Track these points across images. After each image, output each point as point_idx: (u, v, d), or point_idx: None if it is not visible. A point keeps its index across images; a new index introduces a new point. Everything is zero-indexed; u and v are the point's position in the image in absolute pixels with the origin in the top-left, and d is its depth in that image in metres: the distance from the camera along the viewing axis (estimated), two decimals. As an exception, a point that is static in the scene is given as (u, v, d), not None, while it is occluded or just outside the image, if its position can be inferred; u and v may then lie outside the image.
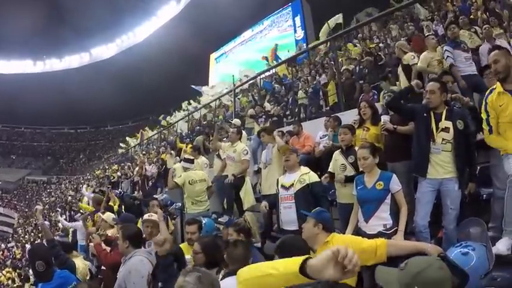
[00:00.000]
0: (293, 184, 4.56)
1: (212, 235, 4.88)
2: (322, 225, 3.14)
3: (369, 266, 2.89)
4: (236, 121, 10.33)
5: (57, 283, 3.77)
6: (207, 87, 24.99)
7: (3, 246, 33.43)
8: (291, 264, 1.34)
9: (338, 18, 18.24)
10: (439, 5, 13.63)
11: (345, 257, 1.21)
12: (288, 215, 4.52)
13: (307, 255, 1.32)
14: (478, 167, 4.25)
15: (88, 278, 5.89)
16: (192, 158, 7.42)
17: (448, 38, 6.79)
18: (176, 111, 25.80)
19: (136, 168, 14.06)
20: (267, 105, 11.87)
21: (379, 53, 11.27)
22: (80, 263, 5.57)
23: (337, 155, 4.88)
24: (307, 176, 4.59)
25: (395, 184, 3.77)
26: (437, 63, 6.35)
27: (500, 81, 3.46)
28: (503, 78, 3.43)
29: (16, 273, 18.30)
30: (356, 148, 4.70)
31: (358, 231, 3.84)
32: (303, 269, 1.28)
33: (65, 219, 16.30)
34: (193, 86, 24.32)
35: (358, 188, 3.94)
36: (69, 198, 27.14)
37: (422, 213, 3.76)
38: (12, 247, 29.66)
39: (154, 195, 9.64)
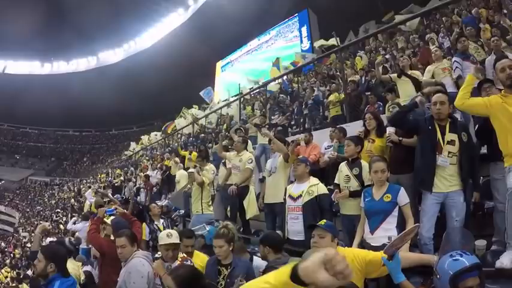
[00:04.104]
0: (301, 195, 4.56)
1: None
2: (337, 240, 3.14)
3: (375, 278, 2.91)
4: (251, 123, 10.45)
5: (72, 281, 3.78)
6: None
7: (3, 244, 33.38)
8: (281, 273, 1.31)
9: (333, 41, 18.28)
10: (445, 17, 13.66)
11: (335, 260, 1.19)
12: (294, 226, 4.53)
13: (295, 263, 1.30)
14: (482, 178, 4.27)
15: (83, 278, 5.96)
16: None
17: (456, 50, 6.80)
18: (181, 115, 25.82)
19: (140, 174, 14.11)
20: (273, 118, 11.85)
21: (385, 65, 11.28)
22: (69, 264, 5.64)
23: (342, 166, 4.86)
24: (315, 187, 4.59)
25: (403, 197, 3.80)
26: (441, 71, 6.38)
27: (509, 87, 3.47)
28: None
29: (15, 273, 18.23)
30: (361, 161, 4.74)
31: (362, 243, 3.85)
32: (294, 276, 1.26)
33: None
34: (201, 94, 24.33)
35: (366, 200, 3.97)
36: (72, 201, 27.14)
37: (427, 226, 3.76)
38: (25, 237, 29.61)
39: (156, 201, 9.69)
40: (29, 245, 23.67)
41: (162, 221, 7.18)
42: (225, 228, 3.97)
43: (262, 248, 3.95)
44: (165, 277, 3.82)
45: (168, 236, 4.13)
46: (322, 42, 18.92)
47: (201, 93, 24.29)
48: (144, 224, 7.09)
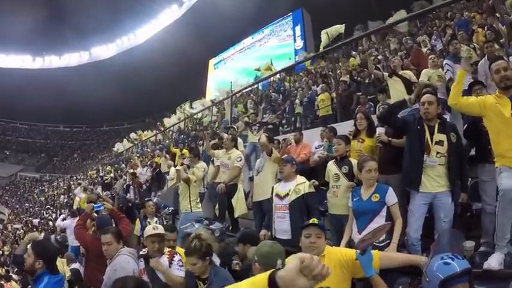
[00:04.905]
0: (288, 194, 4.53)
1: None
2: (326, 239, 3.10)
3: (362, 278, 2.89)
4: (242, 121, 10.42)
5: (60, 277, 3.75)
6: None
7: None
8: (257, 282, 1.27)
9: (340, 28, 18.11)
10: (438, 20, 13.71)
11: (312, 265, 1.18)
12: (281, 225, 4.50)
13: (271, 270, 1.26)
14: (470, 179, 4.29)
15: (68, 275, 5.95)
16: (188, 165, 7.45)
17: (448, 53, 6.83)
18: (174, 114, 25.86)
19: (130, 171, 14.02)
20: (264, 116, 11.82)
21: (378, 66, 11.30)
22: None
23: (330, 165, 4.86)
24: (302, 186, 4.57)
25: (392, 197, 3.80)
26: (437, 78, 6.41)
27: (503, 88, 3.47)
28: (510, 86, 3.45)
29: (4, 270, 18.08)
30: (350, 159, 4.74)
31: (350, 243, 3.83)
32: (272, 283, 1.23)
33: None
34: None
35: (354, 199, 3.96)
36: (62, 198, 26.99)
37: (415, 226, 3.76)
38: (17, 229, 29.32)
39: (145, 199, 9.64)
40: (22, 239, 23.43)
41: (155, 219, 7.15)
42: (197, 241, 3.31)
43: (242, 247, 3.93)
44: (168, 272, 3.82)
45: (154, 228, 4.15)
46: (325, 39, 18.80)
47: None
48: (137, 219, 7.11)
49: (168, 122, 24.51)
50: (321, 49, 16.65)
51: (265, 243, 2.89)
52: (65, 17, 49.40)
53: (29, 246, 3.75)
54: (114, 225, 5.19)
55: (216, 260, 3.77)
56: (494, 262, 3.21)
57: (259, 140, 6.58)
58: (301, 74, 17.78)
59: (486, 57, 6.32)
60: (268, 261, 2.66)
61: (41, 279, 3.41)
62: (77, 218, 8.60)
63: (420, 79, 6.57)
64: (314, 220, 3.06)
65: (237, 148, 7.17)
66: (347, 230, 4.01)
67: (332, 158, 5.11)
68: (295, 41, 34.06)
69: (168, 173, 11.09)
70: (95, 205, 5.78)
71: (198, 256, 3.23)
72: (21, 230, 27.87)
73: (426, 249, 3.77)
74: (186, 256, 3.37)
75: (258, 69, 22.00)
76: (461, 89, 3.73)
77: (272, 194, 4.78)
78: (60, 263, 6.09)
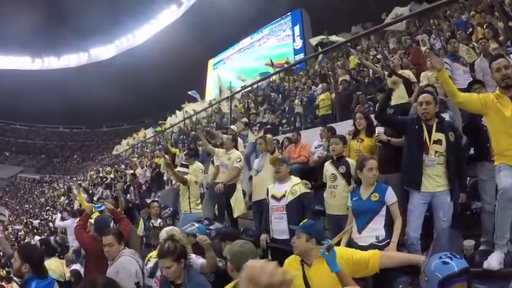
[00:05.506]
0: (284, 195, 4.56)
1: None
2: (315, 240, 2.98)
3: (363, 278, 2.89)
4: (241, 122, 10.39)
5: (50, 281, 3.75)
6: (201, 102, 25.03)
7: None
8: None
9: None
10: (437, 19, 13.70)
11: (254, 274, 1.19)
12: (279, 226, 4.53)
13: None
14: (469, 179, 4.29)
15: (68, 276, 5.95)
16: (187, 163, 7.42)
17: (447, 51, 6.84)
18: (172, 115, 25.87)
19: (130, 171, 14.01)
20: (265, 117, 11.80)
21: (377, 65, 11.30)
22: (53, 262, 5.69)
23: (327, 165, 4.87)
24: (297, 186, 4.60)
25: (391, 196, 3.79)
26: (435, 79, 6.42)
27: (504, 87, 3.44)
28: (511, 85, 3.42)
29: (4, 271, 18.03)
30: (347, 159, 4.76)
31: (350, 243, 3.83)
32: None
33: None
34: (190, 93, 24.35)
35: (353, 199, 3.96)
36: (62, 199, 26.96)
37: (414, 226, 3.76)
38: (19, 230, 29.28)
39: (146, 199, 9.63)
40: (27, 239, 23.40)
41: (159, 220, 7.12)
42: (170, 242, 3.16)
43: (224, 245, 4.24)
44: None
45: (171, 229, 4.15)
46: (318, 39, 18.85)
47: (190, 92, 24.34)
48: (141, 220, 7.09)
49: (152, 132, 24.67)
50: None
51: (237, 243, 2.98)
52: (63, 18, 49.35)
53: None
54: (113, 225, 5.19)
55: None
56: (494, 261, 3.20)
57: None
58: (301, 73, 17.78)
59: (482, 55, 6.34)
60: (240, 260, 2.70)
61: (29, 284, 3.38)
62: (78, 219, 8.66)
63: (421, 83, 6.59)
64: (303, 222, 3.15)
65: (237, 148, 7.17)
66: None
67: (331, 158, 5.12)
68: (294, 40, 34.06)
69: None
70: (95, 205, 5.77)
71: (173, 258, 3.08)
72: (22, 231, 27.84)
73: (426, 249, 3.77)
74: (159, 259, 3.21)
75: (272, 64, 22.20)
76: (452, 85, 3.65)
77: (267, 195, 4.80)
78: (60, 264, 6.08)
